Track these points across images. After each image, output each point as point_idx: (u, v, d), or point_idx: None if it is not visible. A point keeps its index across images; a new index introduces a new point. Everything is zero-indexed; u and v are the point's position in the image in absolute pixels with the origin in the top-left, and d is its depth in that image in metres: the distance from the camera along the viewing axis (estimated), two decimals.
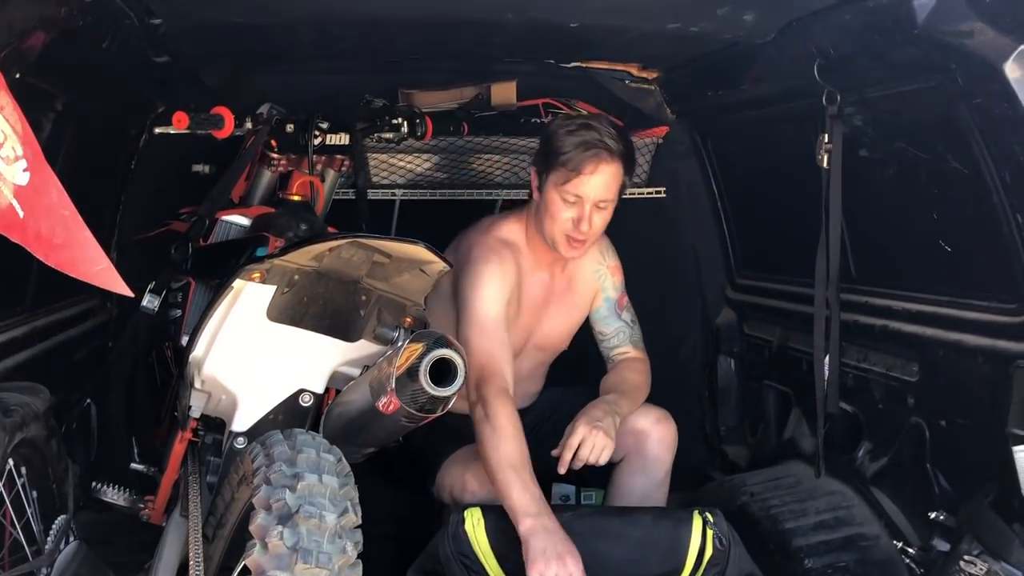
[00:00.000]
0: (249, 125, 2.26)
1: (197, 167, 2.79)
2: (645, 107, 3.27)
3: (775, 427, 3.09)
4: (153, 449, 2.35)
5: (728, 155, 3.27)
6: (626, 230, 3.23)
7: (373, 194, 2.94)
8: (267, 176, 2.49)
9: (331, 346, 1.75)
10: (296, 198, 2.32)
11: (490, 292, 2.38)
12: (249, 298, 1.68)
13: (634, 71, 3.21)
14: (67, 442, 2.17)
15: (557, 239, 2.43)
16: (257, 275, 1.65)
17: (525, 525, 1.95)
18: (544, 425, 2.57)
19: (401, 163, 2.94)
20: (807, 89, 2.44)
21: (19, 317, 2.26)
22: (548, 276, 2.60)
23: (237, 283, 1.66)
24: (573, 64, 3.11)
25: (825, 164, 2.37)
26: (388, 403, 1.54)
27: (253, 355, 1.73)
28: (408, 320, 1.74)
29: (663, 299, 3.45)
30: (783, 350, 3.02)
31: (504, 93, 2.98)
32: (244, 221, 2.31)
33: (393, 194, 2.92)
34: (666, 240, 3.48)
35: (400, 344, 1.53)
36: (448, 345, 1.48)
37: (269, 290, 1.67)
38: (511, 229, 2.58)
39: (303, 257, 1.65)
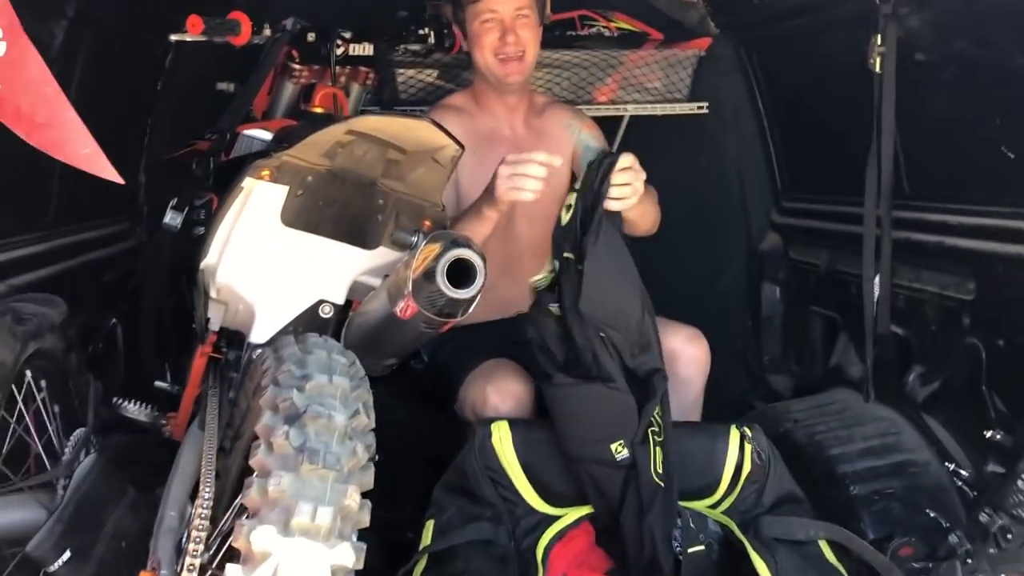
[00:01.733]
0: (268, 32, 2.16)
1: (221, 85, 2.70)
2: (688, 20, 3.12)
3: (821, 354, 2.97)
4: (182, 370, 2.31)
5: (775, 69, 3.10)
6: (664, 150, 3.12)
7: (401, 110, 2.83)
8: (289, 89, 2.40)
9: (350, 254, 1.67)
10: (319, 111, 2.23)
11: None
12: (260, 199, 1.60)
13: None
14: (92, 361, 2.14)
15: (491, 66, 2.38)
16: (266, 173, 1.57)
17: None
18: None
19: (429, 78, 2.83)
20: None
21: (40, 233, 2.22)
22: (509, 131, 2.49)
23: (247, 182, 1.58)
24: None
25: (877, 68, 2.21)
26: (406, 308, 1.46)
27: (268, 262, 1.65)
28: (427, 223, 1.65)
29: (704, 225, 3.32)
30: (831, 274, 2.88)
31: None
32: (265, 135, 2.23)
33: (422, 111, 2.81)
34: (707, 162, 3.33)
35: (417, 247, 1.44)
36: (467, 245, 1.39)
37: (281, 191, 1.59)
38: (458, 96, 2.57)
39: (312, 153, 1.56)
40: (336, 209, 1.63)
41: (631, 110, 2.99)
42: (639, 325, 1.83)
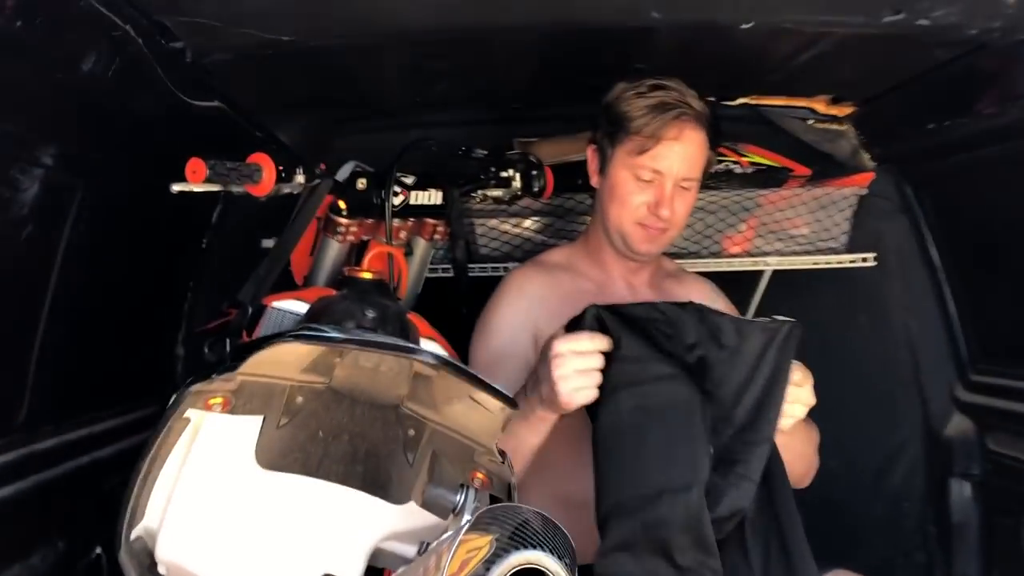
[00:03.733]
0: (301, 179, 1.67)
1: (267, 242, 2.27)
2: (837, 152, 2.52)
3: None
4: None
5: (954, 208, 2.45)
6: (812, 310, 2.48)
7: (481, 269, 2.30)
8: (335, 248, 1.89)
9: (368, 508, 1.09)
10: (366, 275, 1.70)
11: (500, 319, 1.88)
12: (217, 437, 1.05)
13: (820, 107, 2.47)
14: None
15: (627, 230, 1.86)
16: (217, 401, 1.03)
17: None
18: None
19: (515, 229, 2.29)
20: None
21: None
22: (627, 291, 1.92)
23: (191, 414, 1.04)
24: (740, 102, 2.41)
25: None
26: None
27: (241, 524, 1.09)
28: (479, 476, 1.06)
29: (866, 404, 2.63)
30: None
31: None
32: (300, 307, 1.71)
33: (506, 268, 2.27)
34: (869, 324, 2.66)
35: (456, 532, 0.85)
36: (537, 540, 0.79)
37: (253, 423, 1.04)
38: (559, 251, 2.05)
39: (286, 368, 1.01)
40: (345, 443, 1.06)
41: (773, 263, 2.37)
42: None
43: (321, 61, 1.91)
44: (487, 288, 2.32)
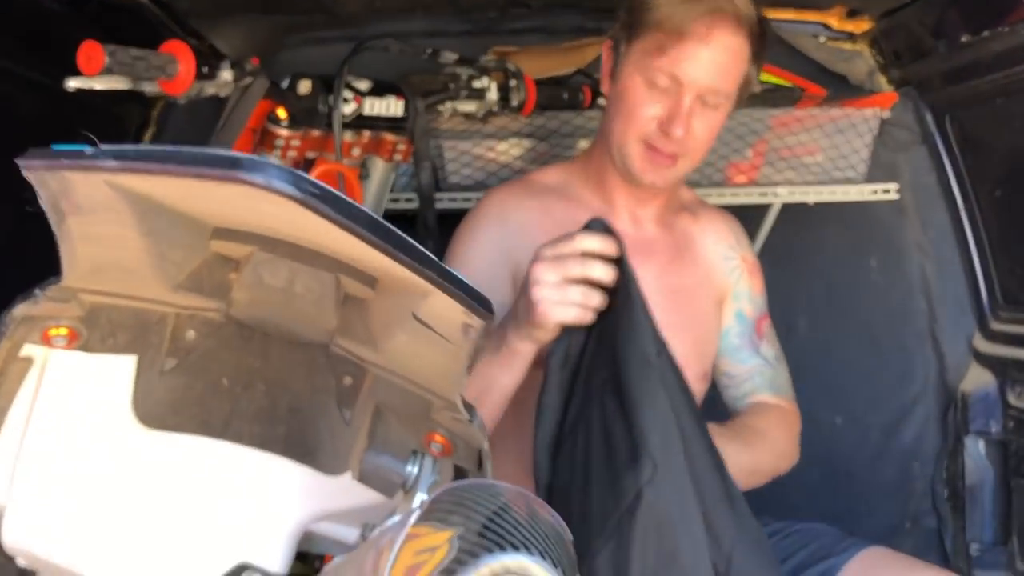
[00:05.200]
0: (228, 76, 1.36)
1: None
2: (852, 74, 2.25)
3: None
4: None
5: (980, 140, 2.20)
6: (820, 249, 2.26)
7: (451, 199, 2.01)
8: None
9: (294, 480, 0.81)
10: None
11: (471, 250, 1.57)
12: (73, 383, 0.76)
13: (835, 22, 2.20)
14: None
15: (630, 149, 1.50)
16: (60, 332, 0.74)
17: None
18: None
19: (490, 153, 2.00)
20: None
21: None
22: (632, 226, 1.60)
23: (29, 350, 0.76)
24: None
25: None
26: None
27: (113, 503, 0.80)
28: (439, 439, 0.79)
29: (876, 355, 2.40)
30: None
31: None
32: None
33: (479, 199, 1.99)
34: (880, 267, 2.41)
35: (402, 523, 0.58)
36: (520, 538, 0.53)
37: (121, 365, 0.76)
38: (548, 171, 1.69)
39: (141, 282, 0.73)
40: (260, 396, 0.78)
41: (783, 195, 2.10)
42: None
43: None
44: (457, 221, 2.03)
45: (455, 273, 0.70)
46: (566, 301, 1.20)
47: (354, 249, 0.69)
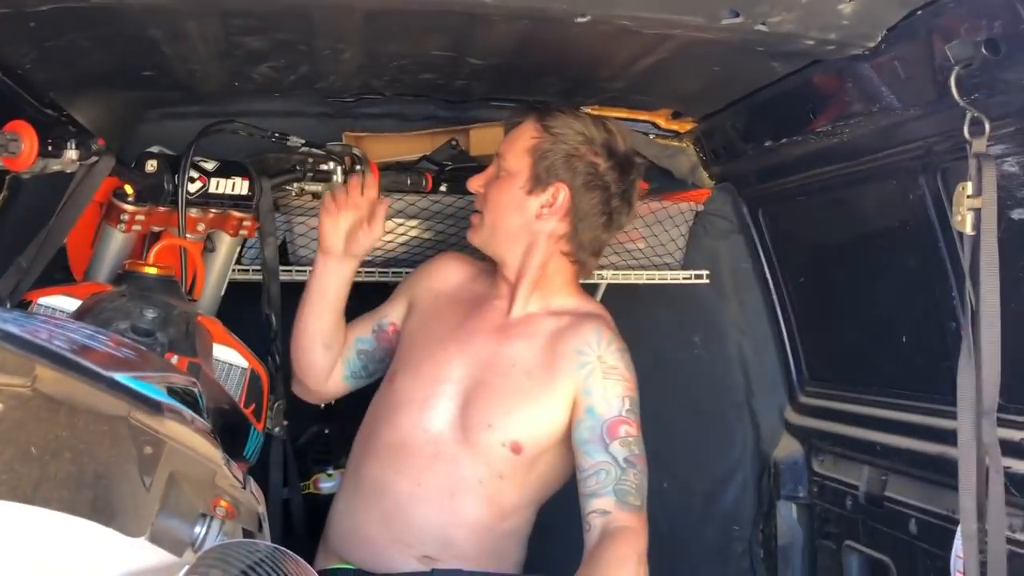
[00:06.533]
0: (73, 155, 1.44)
1: None
2: (676, 169, 2.48)
3: None
4: None
5: (787, 230, 2.45)
6: (647, 327, 2.44)
7: (299, 271, 2.10)
8: (118, 239, 1.66)
9: (100, 542, 0.88)
10: (150, 271, 1.48)
11: (405, 283, 2.10)
12: None
13: (662, 122, 2.43)
14: None
15: None
16: None
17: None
18: None
19: None
20: (927, 119, 1.66)
21: None
22: (497, 312, 1.98)
23: None
24: (583, 111, 2.33)
25: (969, 229, 1.54)
26: None
27: None
28: (223, 504, 0.88)
29: (697, 423, 2.61)
30: (876, 501, 2.13)
31: (488, 139, 2.18)
32: (70, 304, 1.48)
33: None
34: (702, 343, 2.62)
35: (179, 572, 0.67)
36: None
37: None
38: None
39: None
40: (68, 463, 0.86)
41: (608, 277, 2.29)
42: None
43: (117, 29, 1.67)
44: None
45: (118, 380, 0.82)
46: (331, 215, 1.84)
47: None
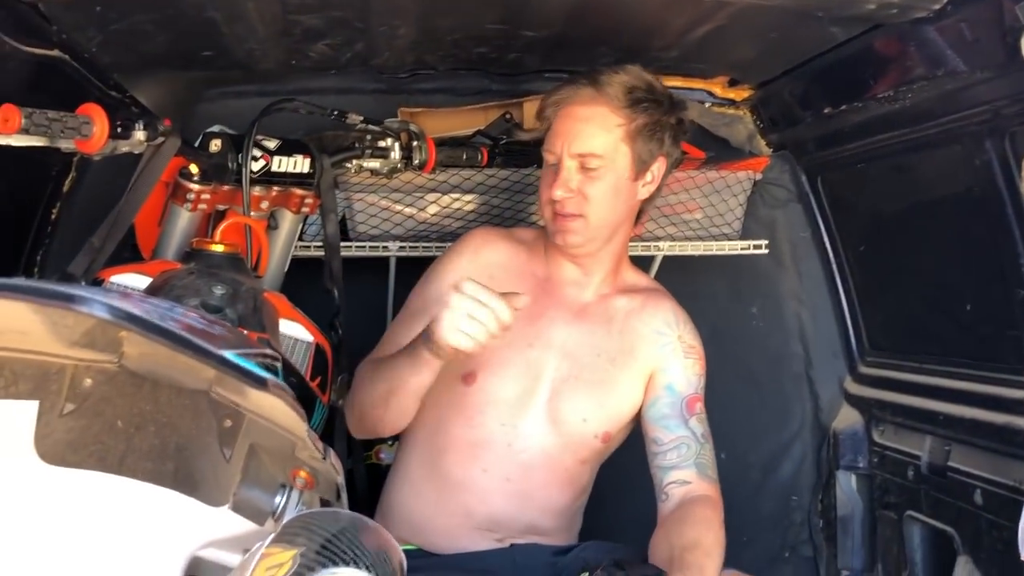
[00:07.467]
0: (141, 136, 1.48)
1: None
2: (733, 137, 2.45)
3: None
4: None
5: (847, 198, 2.41)
6: (703, 299, 2.42)
7: (358, 248, 2.13)
8: (185, 218, 1.70)
9: (183, 511, 0.92)
10: (217, 248, 1.52)
11: (442, 272, 1.85)
12: None
13: (718, 90, 2.41)
14: None
15: (547, 221, 1.83)
16: None
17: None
18: None
19: (397, 206, 2.13)
20: (995, 83, 1.62)
21: None
22: (572, 293, 1.88)
23: None
24: None
25: None
26: None
27: (18, 537, 0.90)
28: (302, 475, 0.92)
29: (755, 394, 2.59)
30: (939, 471, 2.10)
31: None
32: (140, 282, 1.53)
33: (385, 248, 2.11)
34: (760, 314, 2.60)
35: (259, 544, 0.70)
36: (352, 556, 0.65)
37: (24, 409, 0.87)
38: (524, 230, 1.99)
39: (35, 341, 0.84)
40: (151, 436, 0.90)
41: (664, 249, 2.28)
42: None
43: (178, 10, 1.71)
44: (364, 268, 2.16)
45: (228, 358, 0.85)
46: (462, 329, 1.46)
47: None
